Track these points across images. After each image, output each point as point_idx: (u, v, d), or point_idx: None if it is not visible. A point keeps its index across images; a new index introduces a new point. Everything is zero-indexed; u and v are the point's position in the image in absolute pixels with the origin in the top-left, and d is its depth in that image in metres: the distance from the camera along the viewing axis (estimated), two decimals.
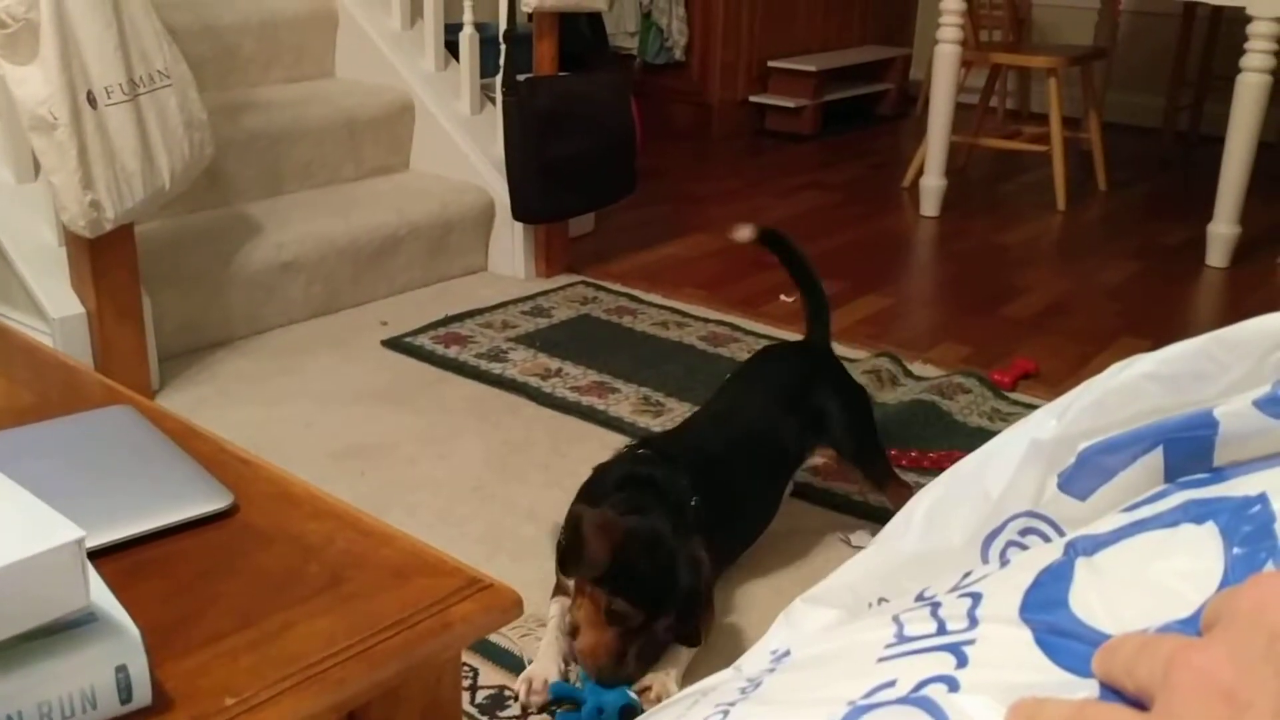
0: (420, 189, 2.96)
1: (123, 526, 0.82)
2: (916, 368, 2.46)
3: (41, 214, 2.18)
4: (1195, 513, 0.51)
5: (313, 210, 2.74)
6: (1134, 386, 0.68)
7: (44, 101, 1.92)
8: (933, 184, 3.72)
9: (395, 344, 2.51)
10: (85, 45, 1.96)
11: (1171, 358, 0.68)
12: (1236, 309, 3.03)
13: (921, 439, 2.11)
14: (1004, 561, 0.70)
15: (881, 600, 0.74)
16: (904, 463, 2.02)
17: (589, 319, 2.69)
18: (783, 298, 2.93)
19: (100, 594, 0.68)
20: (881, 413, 2.22)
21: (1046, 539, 0.69)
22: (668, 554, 1.42)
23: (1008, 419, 2.24)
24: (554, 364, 2.41)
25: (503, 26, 2.83)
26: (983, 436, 2.14)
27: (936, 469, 2.02)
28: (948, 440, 2.13)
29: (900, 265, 3.34)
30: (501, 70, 2.80)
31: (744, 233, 1.86)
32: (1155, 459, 0.66)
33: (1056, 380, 2.45)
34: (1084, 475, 0.69)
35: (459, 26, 2.99)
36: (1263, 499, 0.49)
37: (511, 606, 0.80)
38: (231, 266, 2.47)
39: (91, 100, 1.98)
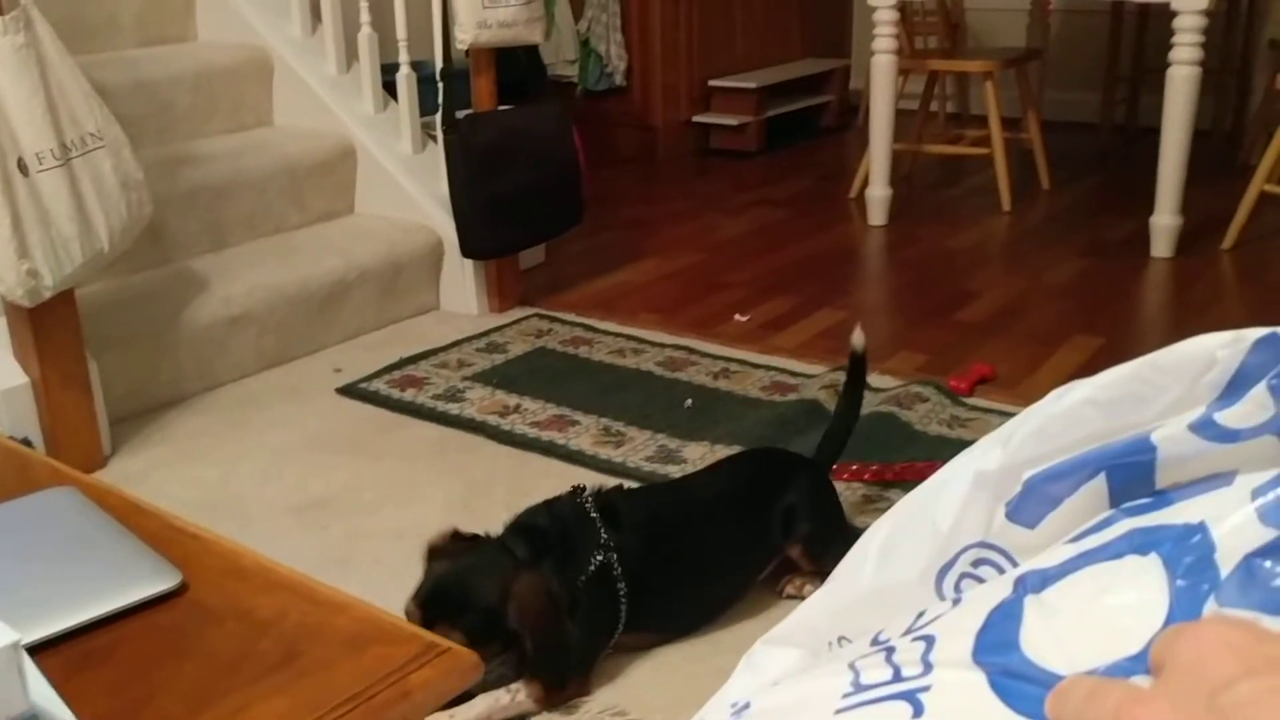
0: (367, 232, 2.94)
1: (66, 616, 0.80)
2: (874, 379, 2.46)
3: None
4: (1139, 542, 0.52)
5: (259, 261, 2.71)
6: (1074, 413, 0.69)
7: None
8: (878, 194, 3.75)
9: (350, 391, 2.49)
10: (13, 113, 1.94)
11: (1108, 383, 0.68)
12: (1184, 299, 3.07)
13: (882, 451, 2.12)
14: (958, 594, 0.70)
15: (842, 639, 0.74)
16: (865, 477, 2.03)
17: (545, 351, 2.68)
18: (737, 317, 2.94)
19: (43, 694, 0.66)
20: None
21: (999, 569, 0.69)
22: (487, 581, 1.42)
23: (967, 425, 2.25)
24: (512, 400, 2.40)
25: (439, 65, 2.82)
26: (943, 444, 2.17)
27: (899, 481, 2.03)
28: (909, 451, 2.13)
29: (852, 277, 3.36)
30: (441, 108, 2.79)
31: (857, 338, 1.85)
32: (1099, 485, 0.66)
33: (1013, 383, 2.47)
34: (1031, 504, 0.69)
35: (395, 67, 2.98)
36: (1202, 528, 0.49)
37: (470, 670, 0.79)
38: (179, 323, 2.44)
39: (23, 168, 1.95)
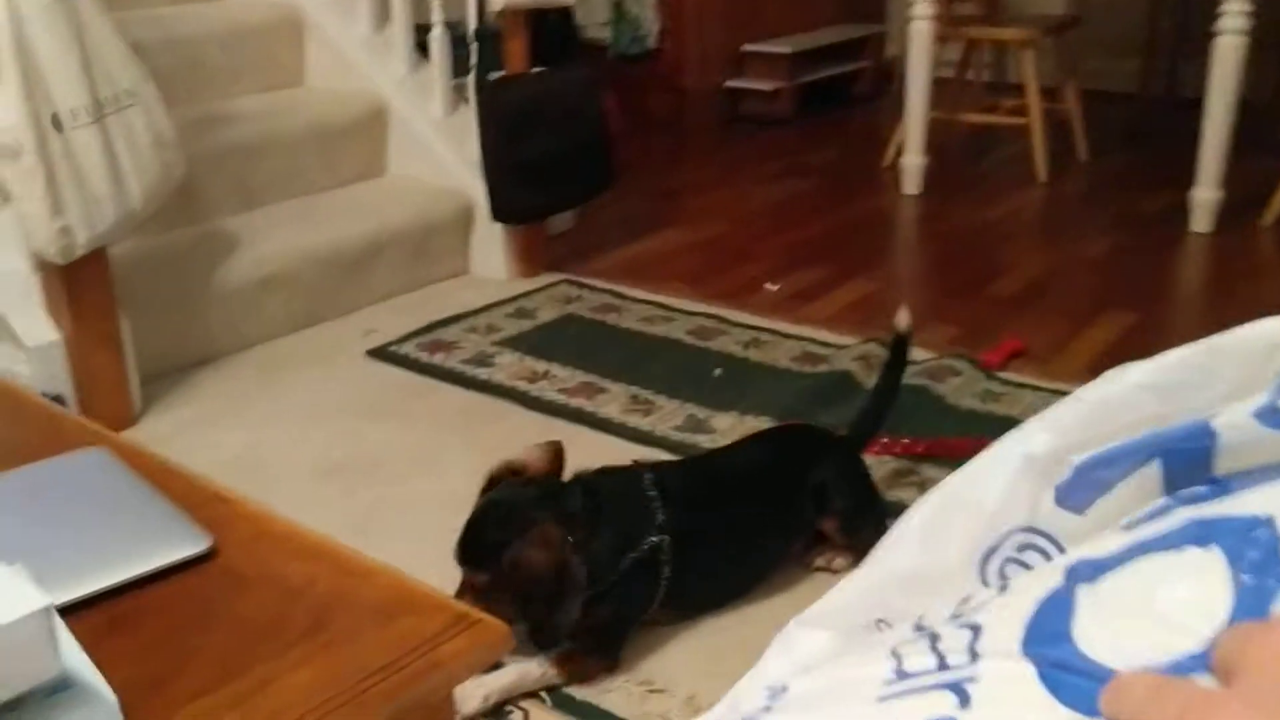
0: (398, 194, 2.93)
1: (96, 579, 0.79)
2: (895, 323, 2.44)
3: (12, 240, 2.14)
4: (1198, 534, 0.50)
5: (290, 222, 2.71)
6: (1127, 397, 0.67)
7: (8, 129, 1.89)
8: (913, 162, 3.70)
9: (380, 354, 2.48)
10: (48, 69, 1.93)
11: (1164, 366, 0.66)
12: (1223, 275, 3.02)
13: (913, 424, 2.09)
14: (1003, 580, 0.69)
15: (880, 622, 0.72)
16: (896, 450, 2.01)
17: (574, 318, 2.67)
18: (767, 286, 2.91)
19: (74, 658, 0.66)
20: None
21: (1046, 554, 0.67)
22: (509, 521, 1.42)
23: (999, 399, 2.23)
24: (541, 366, 2.39)
25: (472, 25, 2.80)
26: (975, 419, 2.14)
27: (930, 456, 2.01)
28: (940, 425, 2.11)
29: (884, 247, 3.32)
30: (472, 71, 2.77)
31: (903, 319, 1.82)
32: (1152, 471, 0.64)
33: (1045, 358, 2.44)
34: (1080, 488, 0.67)
35: (428, 27, 2.95)
36: (1269, 522, 0.47)
37: (500, 641, 0.78)
38: (210, 284, 2.44)
39: (57, 124, 1.95)
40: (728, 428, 2.11)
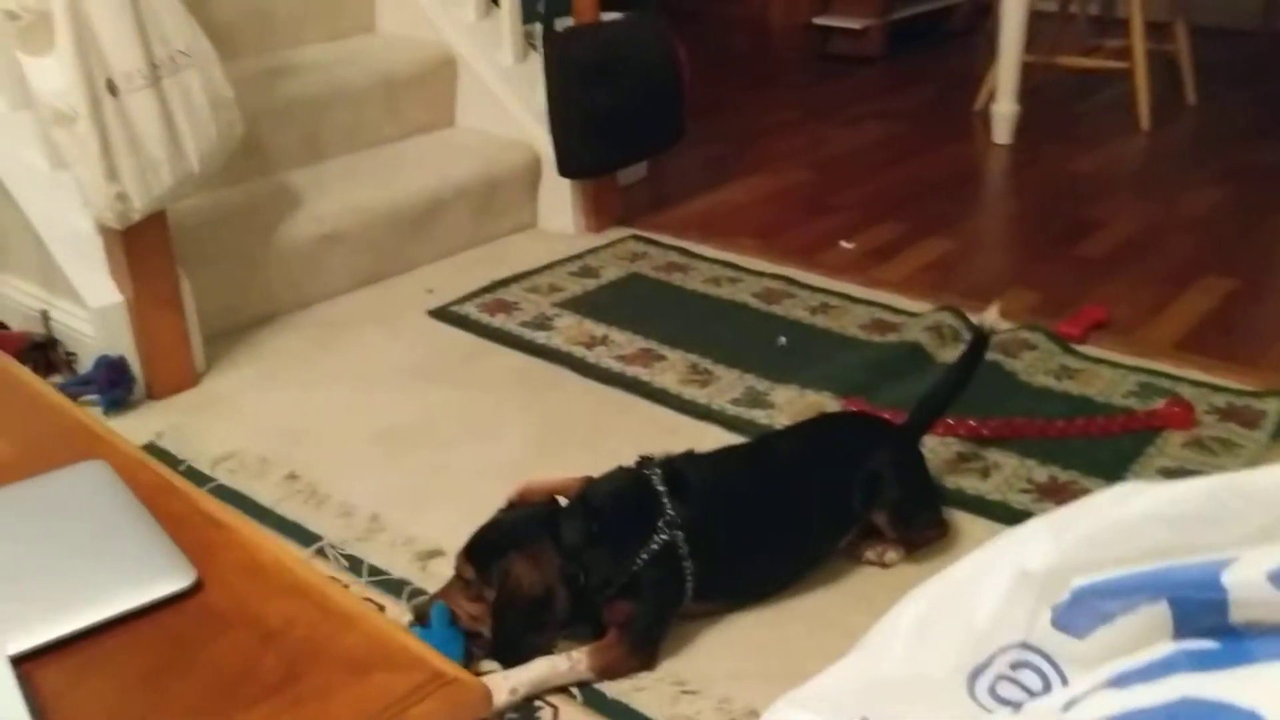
0: (464, 147, 2.89)
1: (70, 619, 0.78)
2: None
3: (75, 202, 2.16)
4: (1187, 717, 0.44)
5: (354, 176, 2.68)
6: (1135, 525, 0.62)
7: (62, 94, 1.89)
8: (1004, 110, 3.53)
9: (441, 314, 2.46)
10: (101, 32, 1.91)
11: (1178, 498, 0.61)
12: None
13: (982, 403, 2.00)
14: (997, 698, 0.64)
15: None
16: (961, 432, 1.92)
17: (638, 277, 2.61)
18: (842, 244, 2.81)
19: (13, 713, 0.64)
20: (943, 372, 2.12)
21: (1042, 675, 0.63)
22: (515, 533, 1.44)
23: (1075, 376, 2.12)
24: (599, 330, 2.34)
25: None
26: (1049, 397, 2.05)
27: (996, 439, 1.92)
28: (1011, 404, 2.01)
29: (967, 201, 3.18)
30: (541, 18, 2.70)
31: (992, 317, 1.73)
32: (1161, 611, 0.60)
33: (1130, 329, 2.31)
34: (1081, 614, 0.62)
35: None
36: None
37: (477, 702, 0.75)
38: (272, 241, 2.44)
39: (111, 88, 1.94)
40: (786, 402, 2.04)
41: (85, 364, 2.15)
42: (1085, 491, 0.75)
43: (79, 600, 0.79)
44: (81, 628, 0.77)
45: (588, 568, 1.42)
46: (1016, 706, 0.61)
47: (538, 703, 1.39)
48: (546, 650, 1.43)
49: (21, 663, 0.73)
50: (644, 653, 1.43)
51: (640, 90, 2.76)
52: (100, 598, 0.80)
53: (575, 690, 1.40)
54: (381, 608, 1.57)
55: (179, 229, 2.22)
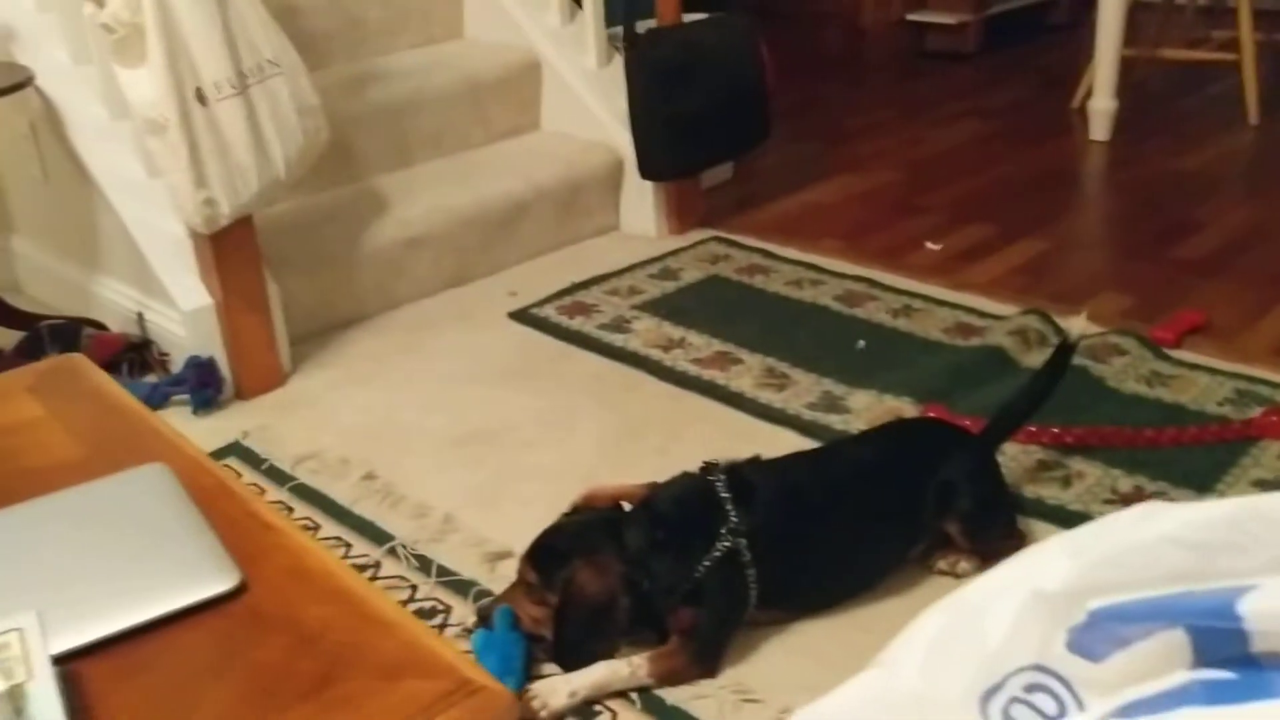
0: (548, 150, 2.91)
1: (117, 619, 0.80)
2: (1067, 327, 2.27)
3: (169, 207, 2.23)
4: None
5: (440, 181, 2.72)
6: (1154, 549, 0.60)
7: (154, 104, 1.95)
8: (1102, 106, 3.42)
9: (521, 316, 2.48)
10: (191, 44, 1.97)
11: (1198, 522, 0.59)
12: None
13: (1068, 409, 1.94)
14: None
15: None
16: (1044, 440, 1.87)
17: (718, 280, 2.60)
18: (929, 245, 2.76)
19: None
20: (1026, 379, 2.06)
21: (1057, 697, 0.61)
22: (581, 539, 1.45)
23: (1169, 383, 2.04)
24: (677, 333, 2.34)
25: None
26: (1138, 404, 1.98)
27: (1080, 446, 1.86)
28: (1098, 411, 1.95)
29: (1062, 201, 3.09)
30: (621, 21, 2.70)
31: (1078, 326, 1.69)
32: (1179, 638, 0.57)
33: (1228, 335, 2.22)
34: (1097, 638, 0.60)
35: None
36: None
37: (503, 711, 0.75)
38: (359, 245, 2.49)
39: (201, 98, 2.00)
40: (863, 407, 2.01)
41: (178, 365, 2.22)
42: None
43: (126, 601, 0.82)
44: (125, 628, 0.80)
45: (652, 574, 1.41)
46: None
47: (597, 707, 1.39)
48: (609, 655, 1.43)
49: (66, 661, 0.75)
50: (707, 661, 1.42)
51: (723, 91, 2.74)
52: (146, 599, 0.82)
53: (634, 696, 1.40)
54: (448, 608, 1.59)
55: (268, 234, 2.28)
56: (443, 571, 1.66)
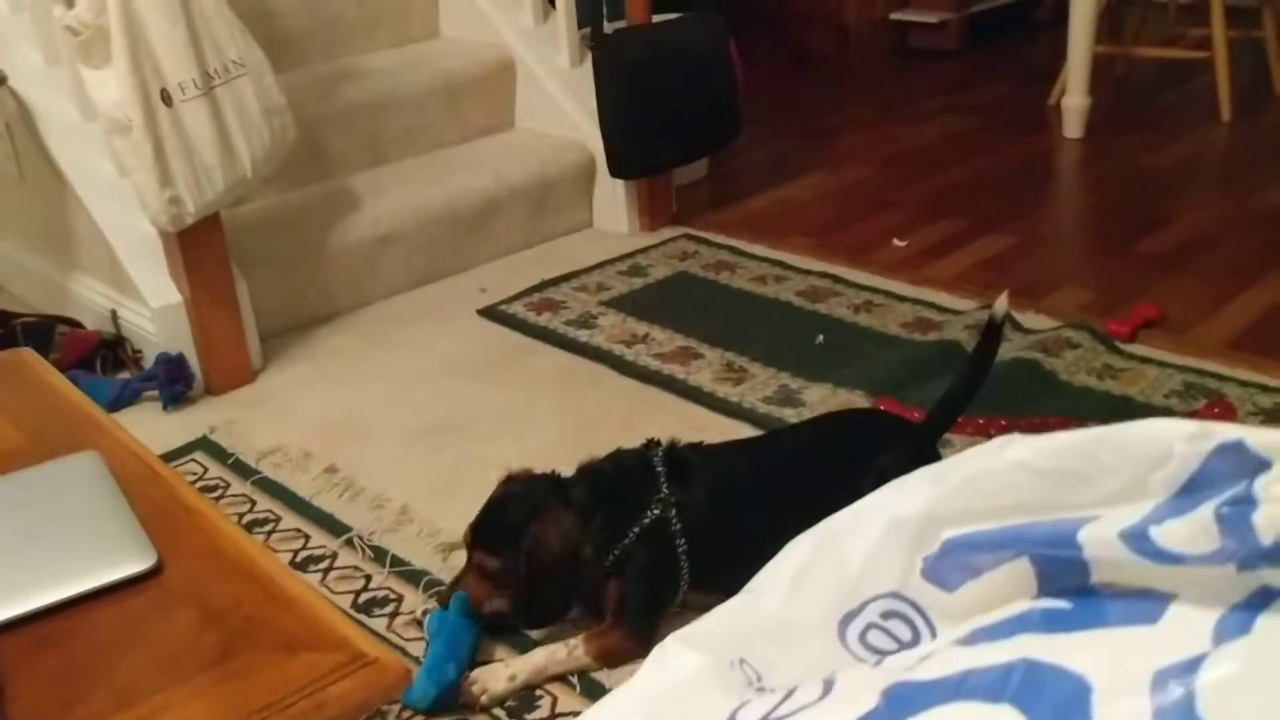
0: (521, 148, 2.94)
1: (36, 597, 0.84)
2: (1027, 319, 2.30)
3: (138, 206, 2.27)
4: (1019, 685, 0.46)
5: (412, 179, 2.76)
6: (1006, 475, 0.63)
7: (119, 104, 1.99)
8: (1075, 103, 3.45)
9: (490, 313, 2.52)
10: (156, 45, 2.01)
11: (1050, 448, 0.62)
12: None
13: (1018, 402, 1.98)
14: (866, 646, 0.66)
15: (743, 663, 0.71)
16: (992, 431, 1.90)
17: (685, 277, 2.64)
18: (895, 241, 2.79)
19: None
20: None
21: (911, 624, 0.65)
22: (524, 507, 1.48)
23: (1119, 376, 2.08)
24: (641, 329, 2.37)
25: None
26: (1089, 396, 2.01)
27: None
28: (1047, 403, 1.99)
29: (1030, 197, 3.12)
30: (591, 22, 2.74)
31: (1001, 305, 1.70)
32: (1024, 567, 0.61)
33: (1182, 328, 2.25)
34: (949, 567, 0.64)
35: None
36: (1086, 692, 0.43)
37: (395, 681, 0.79)
38: (329, 242, 2.52)
39: (166, 98, 2.03)
40: (818, 400, 2.05)
41: (150, 361, 2.26)
42: None
43: (47, 581, 0.86)
44: (44, 605, 0.83)
45: (591, 528, 1.45)
46: (885, 655, 0.63)
47: (538, 692, 1.42)
48: (558, 634, 1.46)
49: None
50: (640, 635, 1.45)
51: (692, 90, 2.78)
52: (67, 579, 0.86)
53: (574, 679, 1.44)
54: (400, 598, 1.62)
55: (240, 231, 2.32)
56: (397, 562, 1.70)
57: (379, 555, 1.72)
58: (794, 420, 1.99)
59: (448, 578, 1.62)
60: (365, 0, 3.03)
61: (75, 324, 2.42)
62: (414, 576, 1.66)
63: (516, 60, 3.04)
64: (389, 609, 1.60)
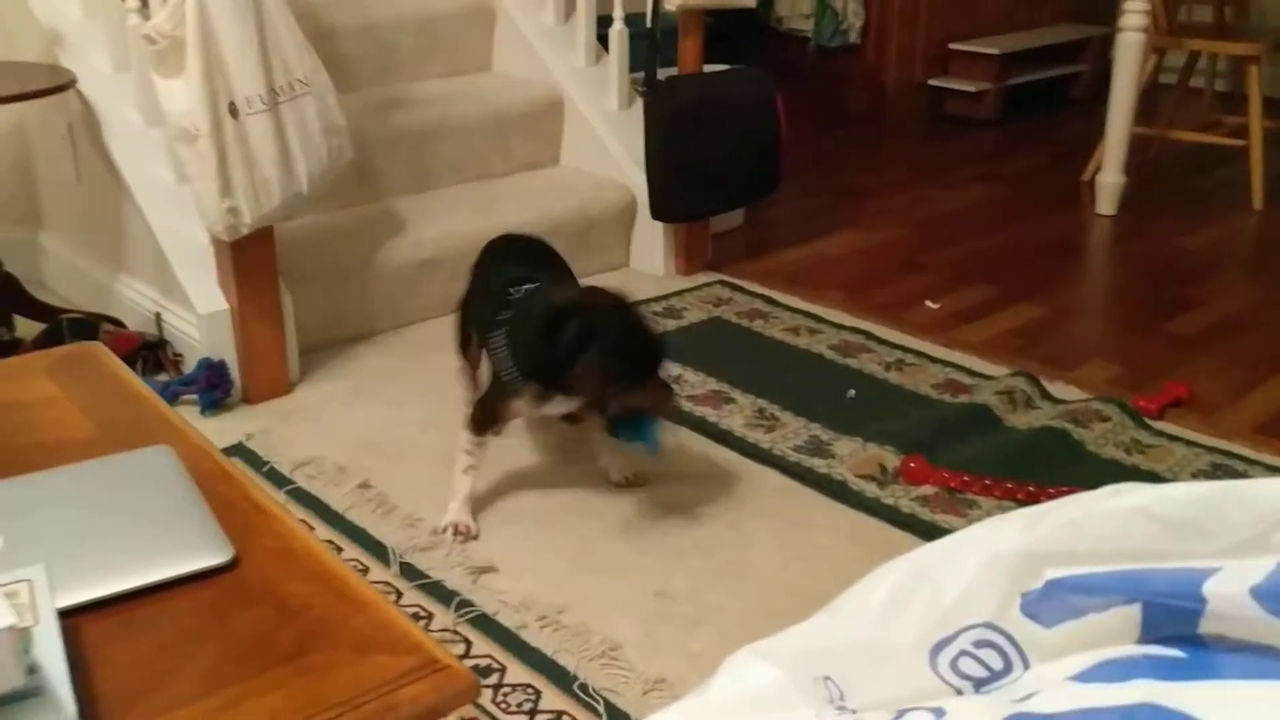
0: (564, 185, 2.99)
1: (117, 581, 0.86)
2: (1056, 389, 2.33)
3: (194, 214, 2.31)
4: None
5: (456, 207, 2.80)
6: (1123, 519, 0.64)
7: (187, 113, 2.04)
8: (1110, 180, 3.50)
9: None
10: (228, 59, 2.06)
11: (1171, 498, 0.62)
12: None
13: (1046, 470, 2.00)
14: (957, 672, 0.67)
15: (827, 680, 0.72)
16: (1019, 496, 1.92)
17: (719, 322, 2.67)
18: (928, 303, 2.83)
19: (52, 666, 0.72)
20: (1008, 439, 2.13)
21: (1004, 655, 0.65)
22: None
23: (1146, 451, 2.10)
24: (675, 369, 2.40)
25: (648, 22, 2.81)
26: (1116, 471, 2.03)
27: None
28: (1074, 472, 2.01)
29: (1062, 270, 3.16)
30: (644, 68, 2.79)
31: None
32: (1132, 613, 0.61)
33: (1210, 409, 2.28)
34: (1051, 605, 0.65)
35: (610, 20, 2.99)
36: None
37: (466, 690, 0.81)
38: (373, 263, 2.56)
39: (233, 111, 2.08)
40: (847, 454, 2.07)
41: (190, 365, 2.29)
42: None
43: (126, 566, 0.88)
44: (125, 589, 0.86)
45: None
46: (976, 682, 0.64)
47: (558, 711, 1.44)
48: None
49: (69, 616, 0.81)
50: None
51: (737, 141, 2.83)
52: (146, 565, 0.88)
53: (599, 705, 1.45)
54: (430, 615, 1.64)
55: (287, 246, 2.36)
56: (427, 580, 1.72)
57: (409, 572, 1.74)
58: (824, 470, 2.02)
59: (479, 599, 1.65)
60: (422, 30, 3.09)
61: (119, 324, 2.46)
62: (444, 596, 1.68)
63: (566, 99, 3.09)
64: (419, 626, 1.62)
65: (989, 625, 0.66)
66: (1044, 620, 0.65)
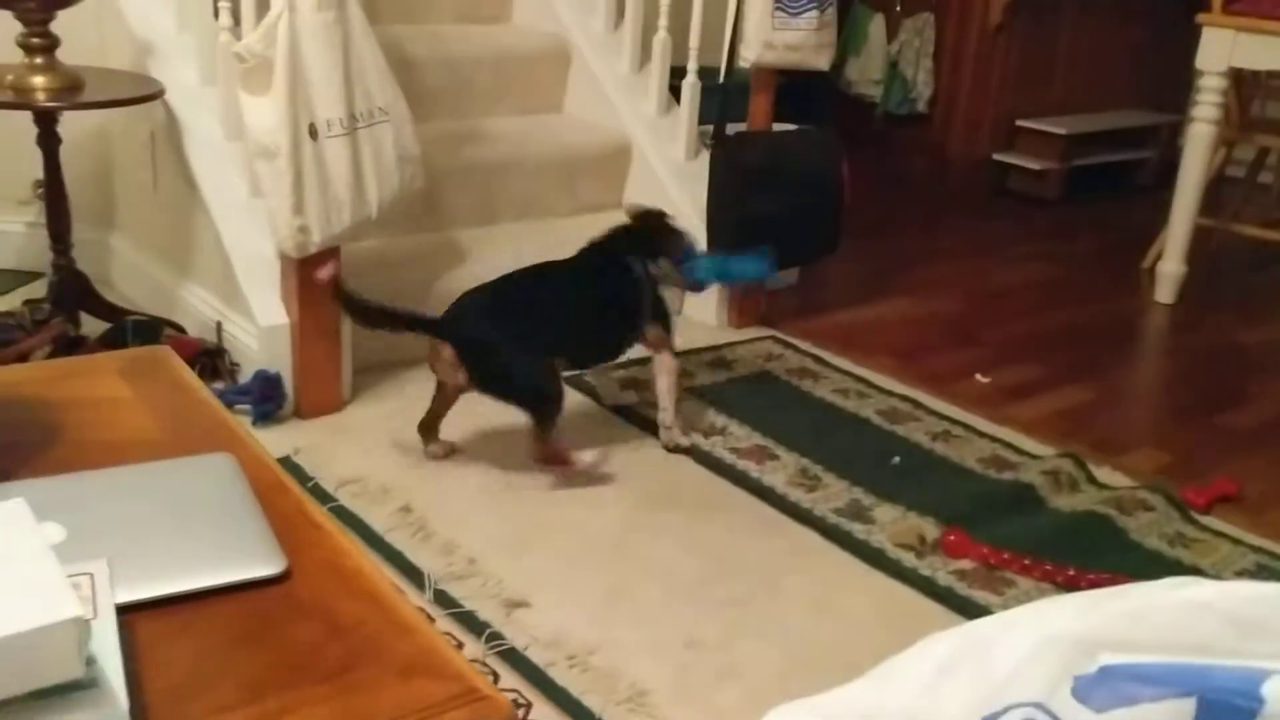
0: None
1: (173, 582, 0.88)
2: (1103, 474, 2.31)
3: (264, 228, 2.36)
4: None
5: (519, 242, 2.84)
6: (1185, 612, 0.63)
7: (270, 131, 2.09)
8: (1171, 270, 3.48)
9: (576, 382, 2.57)
10: (314, 82, 2.12)
11: (1238, 594, 0.62)
12: None
13: (1086, 555, 1.98)
14: None
15: None
16: (1059, 579, 1.91)
17: (768, 377, 2.68)
18: (978, 377, 2.82)
19: (108, 660, 0.74)
20: (1050, 520, 2.11)
21: None
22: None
23: (1190, 546, 2.07)
24: (720, 420, 2.41)
25: (721, 77, 2.85)
26: (1158, 562, 2.01)
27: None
28: (1115, 560, 1.99)
29: (1114, 355, 3.14)
30: (714, 121, 2.83)
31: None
32: (1186, 707, 0.60)
33: (1259, 509, 2.25)
34: (1104, 691, 0.64)
35: (683, 71, 3.04)
36: None
37: (504, 719, 0.82)
38: (433, 290, 2.60)
39: (313, 132, 2.14)
40: (888, 520, 2.07)
41: (246, 375, 2.33)
42: None
43: (182, 568, 0.90)
44: (180, 591, 0.88)
45: None
46: None
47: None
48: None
49: (125, 612, 0.84)
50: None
51: (799, 200, 2.85)
52: (200, 569, 0.90)
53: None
54: (461, 645, 1.65)
55: (350, 267, 2.40)
56: (460, 609, 1.73)
57: (442, 600, 1.75)
58: (862, 536, 2.01)
59: (510, 632, 1.66)
60: (499, 68, 3.15)
61: (180, 329, 2.51)
62: (476, 626, 1.69)
63: (634, 145, 3.13)
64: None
65: (1038, 705, 0.66)
66: (1095, 704, 0.65)
